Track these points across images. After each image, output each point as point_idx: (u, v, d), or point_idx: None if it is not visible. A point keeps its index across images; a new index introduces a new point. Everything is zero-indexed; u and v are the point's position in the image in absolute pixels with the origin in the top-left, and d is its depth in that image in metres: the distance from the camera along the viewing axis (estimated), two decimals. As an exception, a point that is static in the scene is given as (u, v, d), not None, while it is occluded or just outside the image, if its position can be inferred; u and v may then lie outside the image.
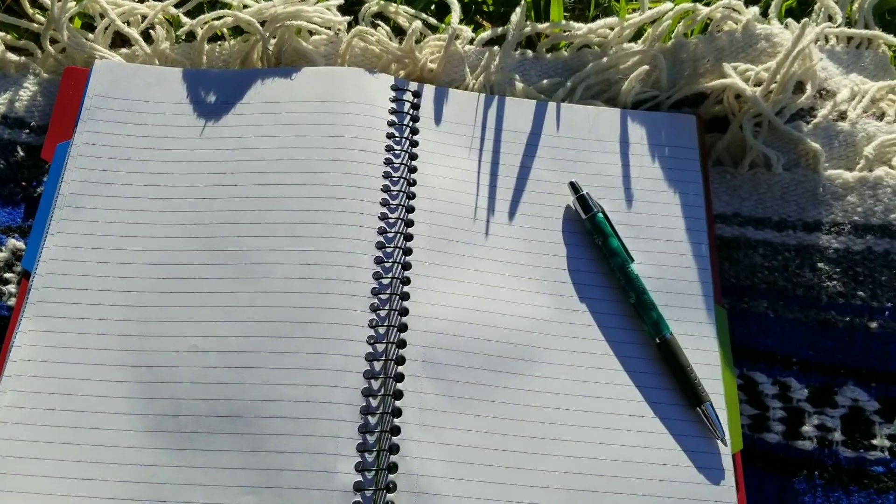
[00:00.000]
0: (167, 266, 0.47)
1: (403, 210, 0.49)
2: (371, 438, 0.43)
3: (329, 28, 0.57)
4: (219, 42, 0.57)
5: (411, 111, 0.53)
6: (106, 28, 0.56)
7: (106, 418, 0.44)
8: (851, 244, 0.52)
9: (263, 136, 0.51)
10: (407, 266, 0.48)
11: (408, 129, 0.52)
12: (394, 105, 0.53)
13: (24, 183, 0.52)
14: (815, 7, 0.61)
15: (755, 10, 0.57)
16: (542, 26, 0.58)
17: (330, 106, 0.52)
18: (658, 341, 0.47)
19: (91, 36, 0.55)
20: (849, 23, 0.62)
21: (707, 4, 0.58)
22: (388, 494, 0.42)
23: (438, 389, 0.45)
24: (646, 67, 0.56)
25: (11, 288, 0.49)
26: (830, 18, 0.61)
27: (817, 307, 0.51)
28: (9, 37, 0.57)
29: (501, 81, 0.56)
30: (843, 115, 0.55)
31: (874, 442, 0.48)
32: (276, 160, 0.50)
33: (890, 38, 0.60)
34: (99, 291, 0.47)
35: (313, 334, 0.45)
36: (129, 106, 0.52)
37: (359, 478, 0.42)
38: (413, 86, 0.54)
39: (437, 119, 0.53)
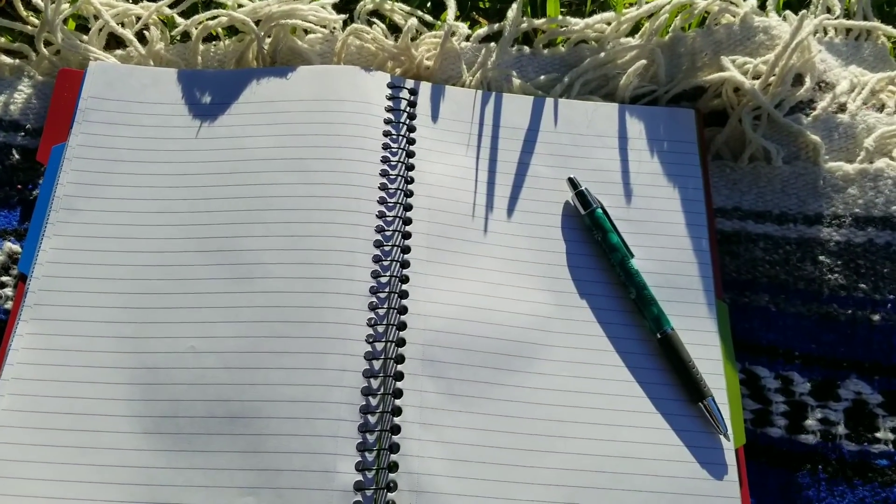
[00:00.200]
0: (164, 267, 0.47)
1: (401, 208, 0.49)
2: (371, 437, 0.43)
3: (324, 26, 0.57)
4: (214, 42, 0.57)
5: (408, 109, 0.52)
6: (100, 29, 0.55)
7: (104, 420, 0.43)
8: (853, 237, 0.51)
9: (259, 136, 0.51)
10: (405, 264, 0.47)
11: (405, 127, 0.52)
12: (390, 103, 0.52)
13: (19, 186, 0.52)
14: (813, -1, 0.61)
15: (753, 2, 0.57)
16: (538, 22, 0.57)
17: (326, 105, 0.52)
18: (659, 336, 0.47)
19: (85, 37, 0.55)
20: (847, 14, 0.62)
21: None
22: (388, 493, 0.42)
23: (438, 388, 0.45)
24: (643, 62, 0.55)
25: (8, 291, 0.48)
26: (829, 10, 0.61)
27: (819, 300, 0.50)
28: (3, 39, 0.57)
29: (498, 78, 0.56)
30: (842, 107, 0.55)
31: (878, 435, 0.47)
32: (273, 160, 0.50)
33: (889, 29, 0.60)
34: (96, 293, 0.46)
35: (312, 334, 0.45)
36: (124, 107, 0.52)
37: (359, 477, 0.42)
38: (409, 83, 0.54)
39: (434, 116, 0.53)
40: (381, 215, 0.48)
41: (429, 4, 0.60)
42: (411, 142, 0.51)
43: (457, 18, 0.56)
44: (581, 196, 0.50)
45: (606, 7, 0.61)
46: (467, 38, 0.57)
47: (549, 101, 0.54)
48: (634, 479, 0.44)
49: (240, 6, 0.56)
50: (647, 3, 0.57)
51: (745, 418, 0.47)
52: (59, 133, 0.51)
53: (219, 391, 0.44)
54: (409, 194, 0.50)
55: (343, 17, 0.57)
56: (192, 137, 0.51)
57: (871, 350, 0.49)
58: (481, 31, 0.57)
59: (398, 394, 0.44)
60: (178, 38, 0.57)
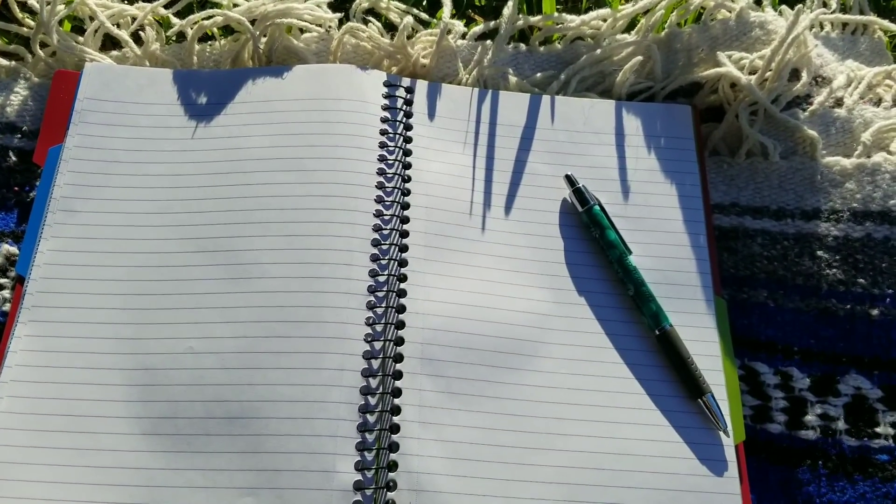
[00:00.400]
0: (161, 268, 0.47)
1: (399, 207, 0.49)
2: (370, 437, 0.43)
3: (320, 25, 0.57)
4: (209, 42, 0.57)
5: (404, 107, 0.52)
6: (96, 30, 0.55)
7: (103, 422, 0.43)
8: (851, 231, 0.51)
9: (256, 136, 0.51)
10: (403, 263, 0.47)
11: (401, 126, 0.52)
12: (387, 101, 0.52)
13: (16, 188, 0.51)
14: (809, -7, 0.61)
15: (749, -3, 0.57)
16: (534, 19, 0.57)
17: (322, 104, 0.51)
18: (658, 333, 0.47)
19: (81, 39, 0.55)
20: (843, 9, 0.62)
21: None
22: (388, 493, 0.42)
23: (437, 386, 0.45)
24: (640, 58, 0.55)
25: (6, 293, 0.48)
26: (825, 4, 0.61)
27: (818, 295, 0.50)
28: (-2, 41, 0.56)
29: (495, 75, 0.56)
30: (839, 102, 0.55)
31: (878, 430, 0.47)
32: (269, 159, 0.50)
33: (885, 23, 0.60)
34: (93, 295, 0.46)
35: (310, 333, 0.45)
36: (121, 108, 0.52)
37: (359, 477, 0.42)
38: (406, 81, 0.54)
39: (431, 114, 0.53)
40: (378, 214, 0.48)
41: (424, 2, 0.60)
42: (408, 140, 0.51)
43: (453, 16, 0.56)
44: (578, 193, 0.50)
45: (602, 4, 0.61)
46: (463, 36, 0.57)
47: (546, 99, 0.54)
48: (634, 477, 0.44)
49: (235, 6, 0.56)
50: (642, -1, 0.57)
51: (745, 414, 0.47)
52: (55, 134, 0.51)
53: (217, 392, 0.44)
54: (407, 193, 0.49)
55: (338, 15, 0.56)
56: (189, 137, 0.51)
57: (870, 345, 0.49)
58: (477, 28, 0.56)
59: (397, 393, 0.44)
60: (174, 38, 0.57)
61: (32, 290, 0.46)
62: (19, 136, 0.53)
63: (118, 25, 0.56)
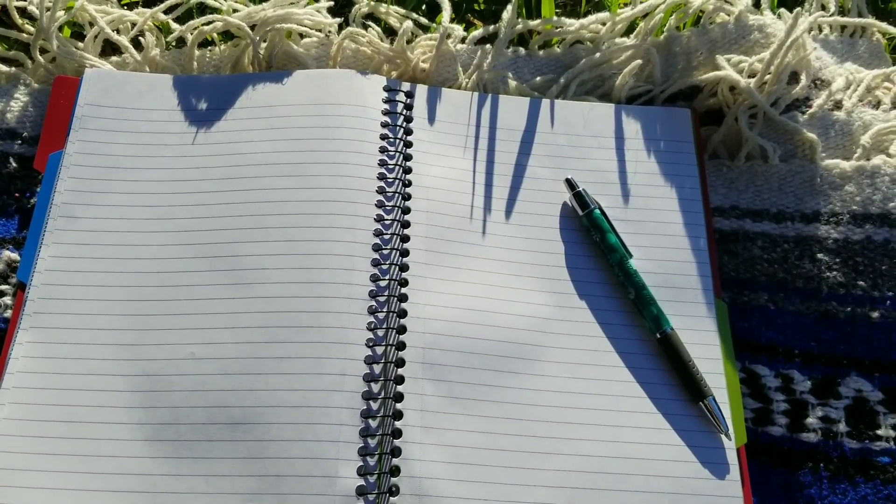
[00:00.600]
0: (163, 274, 0.47)
1: (399, 211, 0.49)
2: (372, 442, 0.43)
3: (319, 30, 0.57)
4: (209, 47, 0.57)
5: (405, 112, 0.52)
6: (95, 36, 0.55)
7: (105, 428, 0.43)
8: (850, 234, 0.51)
9: (256, 141, 0.51)
10: (404, 267, 0.47)
11: (401, 130, 0.52)
12: (387, 106, 0.52)
13: (17, 194, 0.51)
14: (808, -4, 0.61)
15: (747, 0, 0.57)
16: (533, 23, 0.57)
17: (322, 108, 0.51)
18: (658, 336, 0.47)
19: (81, 45, 0.55)
20: (842, 11, 0.62)
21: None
22: (391, 498, 0.42)
23: (439, 391, 0.45)
24: (639, 62, 0.55)
25: (7, 300, 0.48)
26: (823, 7, 0.61)
27: (818, 298, 0.50)
28: (-2, 48, 0.56)
29: (494, 80, 0.56)
30: (838, 105, 0.55)
31: (879, 432, 0.47)
32: (270, 164, 0.50)
33: (884, 25, 0.60)
34: (95, 301, 0.46)
35: (311, 339, 0.45)
36: (121, 114, 0.52)
37: (361, 482, 0.42)
38: (406, 86, 0.54)
39: (431, 119, 0.53)
40: (379, 219, 0.48)
41: (424, 7, 0.60)
42: (408, 145, 0.51)
43: (452, 21, 0.56)
44: (579, 197, 0.50)
45: (601, 7, 0.62)
46: (463, 41, 0.57)
47: (546, 103, 0.54)
48: (636, 480, 0.44)
49: (235, 11, 0.56)
50: (641, 2, 0.57)
51: (746, 417, 0.47)
52: (56, 141, 0.51)
53: (219, 397, 0.44)
54: (407, 197, 0.49)
55: (338, 20, 0.56)
56: (189, 143, 0.51)
57: (870, 347, 0.49)
58: (476, 33, 0.57)
59: (399, 397, 0.44)
60: (174, 43, 0.57)
61: (34, 296, 0.46)
62: (20, 142, 0.53)
63: (118, 31, 0.56)
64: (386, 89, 0.53)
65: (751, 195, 0.53)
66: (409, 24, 0.55)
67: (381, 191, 0.49)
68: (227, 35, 0.58)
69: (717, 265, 0.50)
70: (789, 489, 0.46)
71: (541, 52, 0.58)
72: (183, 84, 0.53)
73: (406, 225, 0.49)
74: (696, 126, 0.54)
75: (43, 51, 0.55)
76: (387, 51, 0.55)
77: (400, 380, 0.44)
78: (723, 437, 0.45)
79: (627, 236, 0.50)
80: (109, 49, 0.57)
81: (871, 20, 0.60)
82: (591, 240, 0.50)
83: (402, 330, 0.46)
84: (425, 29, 0.58)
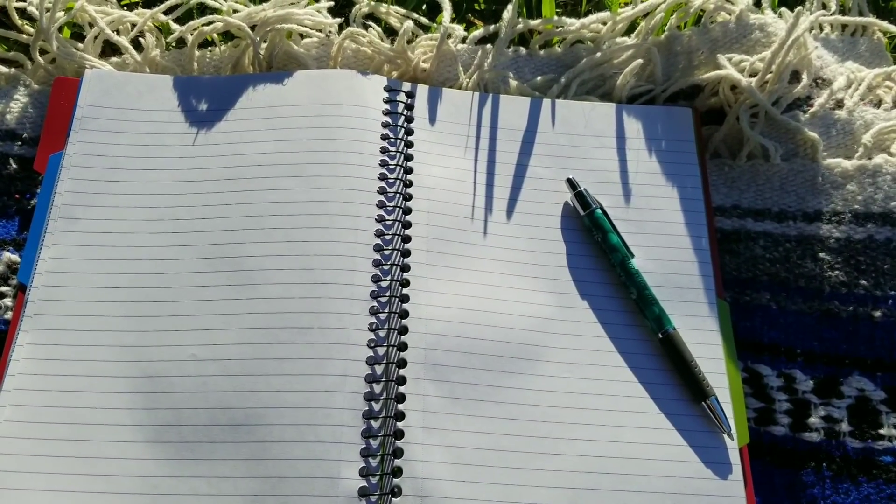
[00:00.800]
0: (164, 275, 0.47)
1: (400, 211, 0.49)
2: (374, 443, 0.43)
3: (320, 30, 0.57)
4: (209, 48, 0.57)
5: (405, 112, 0.52)
6: (95, 37, 0.55)
7: (106, 430, 0.43)
8: (852, 233, 0.51)
9: (257, 142, 0.51)
10: (406, 268, 0.47)
11: (402, 130, 0.52)
12: (387, 106, 0.52)
13: (17, 195, 0.51)
14: (809, -5, 0.61)
15: (748, -1, 0.57)
16: (534, 23, 0.57)
17: (323, 109, 0.51)
18: (661, 336, 0.47)
19: (81, 45, 0.55)
20: (843, 10, 0.62)
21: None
22: (393, 499, 0.42)
23: (441, 391, 0.45)
24: (640, 61, 0.55)
25: (8, 301, 0.48)
26: (824, 6, 0.61)
27: (820, 298, 0.50)
28: (-2, 49, 0.56)
29: (495, 79, 0.56)
30: (839, 104, 0.55)
31: (882, 432, 0.47)
32: (271, 165, 0.50)
33: (885, 24, 0.60)
34: (96, 302, 0.46)
35: (313, 340, 0.45)
36: (121, 115, 0.52)
37: (363, 483, 0.42)
38: (406, 86, 0.54)
39: (432, 119, 0.53)
40: (380, 219, 0.48)
41: (424, 7, 0.60)
42: (409, 145, 0.51)
43: (452, 20, 0.56)
44: (580, 197, 0.50)
45: (602, 7, 0.61)
46: (463, 41, 0.57)
47: (547, 102, 0.54)
48: (639, 480, 0.44)
49: (235, 11, 0.56)
50: (642, 2, 0.57)
51: (749, 417, 0.47)
52: (56, 142, 0.51)
53: (221, 399, 0.44)
54: (408, 197, 0.49)
55: (338, 20, 0.56)
56: (190, 144, 0.51)
57: (873, 347, 0.49)
58: (477, 32, 0.56)
59: (401, 398, 0.44)
60: (174, 44, 0.57)
61: (34, 297, 0.46)
62: (19, 143, 0.53)
63: (118, 32, 0.56)
64: (387, 89, 0.53)
65: (752, 194, 0.53)
66: (409, 24, 0.55)
67: (382, 191, 0.49)
68: (227, 35, 0.58)
69: (718, 265, 0.50)
70: (792, 489, 0.46)
71: (541, 52, 0.58)
72: (183, 85, 0.53)
73: (407, 225, 0.48)
74: (697, 125, 0.54)
75: (43, 52, 0.55)
76: (387, 51, 0.55)
77: (402, 380, 0.44)
78: (725, 437, 0.45)
79: (629, 236, 0.50)
80: (109, 50, 0.57)
81: (872, 19, 0.60)
82: (592, 240, 0.50)
83: (403, 330, 0.45)
84: (426, 29, 0.58)
